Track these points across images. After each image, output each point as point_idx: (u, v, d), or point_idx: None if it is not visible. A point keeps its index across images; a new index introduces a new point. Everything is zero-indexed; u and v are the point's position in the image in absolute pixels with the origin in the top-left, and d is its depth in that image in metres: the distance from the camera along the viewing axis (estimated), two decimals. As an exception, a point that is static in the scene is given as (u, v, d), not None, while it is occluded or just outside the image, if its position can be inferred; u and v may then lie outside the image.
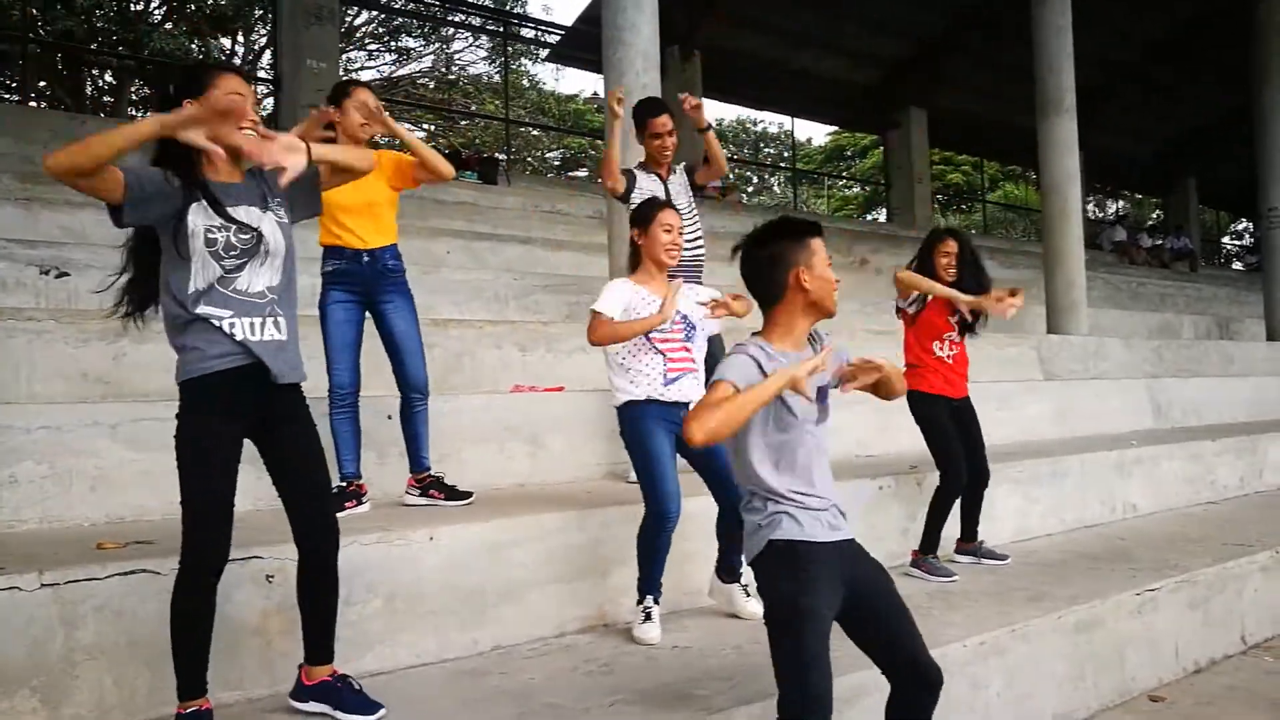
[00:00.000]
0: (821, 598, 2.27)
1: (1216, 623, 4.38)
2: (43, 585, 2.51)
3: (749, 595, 3.61)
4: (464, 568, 3.23)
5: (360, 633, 2.97)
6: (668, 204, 3.60)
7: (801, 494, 2.36)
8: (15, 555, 2.75)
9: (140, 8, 17.91)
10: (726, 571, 3.63)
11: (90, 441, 3.42)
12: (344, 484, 3.68)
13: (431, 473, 3.87)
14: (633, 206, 3.92)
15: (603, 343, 3.41)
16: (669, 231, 3.45)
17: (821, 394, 2.44)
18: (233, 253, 2.48)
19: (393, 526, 3.21)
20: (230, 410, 2.46)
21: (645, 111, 4.64)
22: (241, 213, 2.51)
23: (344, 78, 4.01)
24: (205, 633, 2.42)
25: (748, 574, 3.63)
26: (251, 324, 2.48)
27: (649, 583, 3.39)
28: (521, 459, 4.51)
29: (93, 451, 3.41)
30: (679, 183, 4.67)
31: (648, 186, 4.56)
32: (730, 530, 3.54)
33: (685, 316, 3.49)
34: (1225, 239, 34.40)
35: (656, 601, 3.40)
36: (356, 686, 2.63)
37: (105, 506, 3.42)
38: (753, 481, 2.40)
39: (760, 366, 2.32)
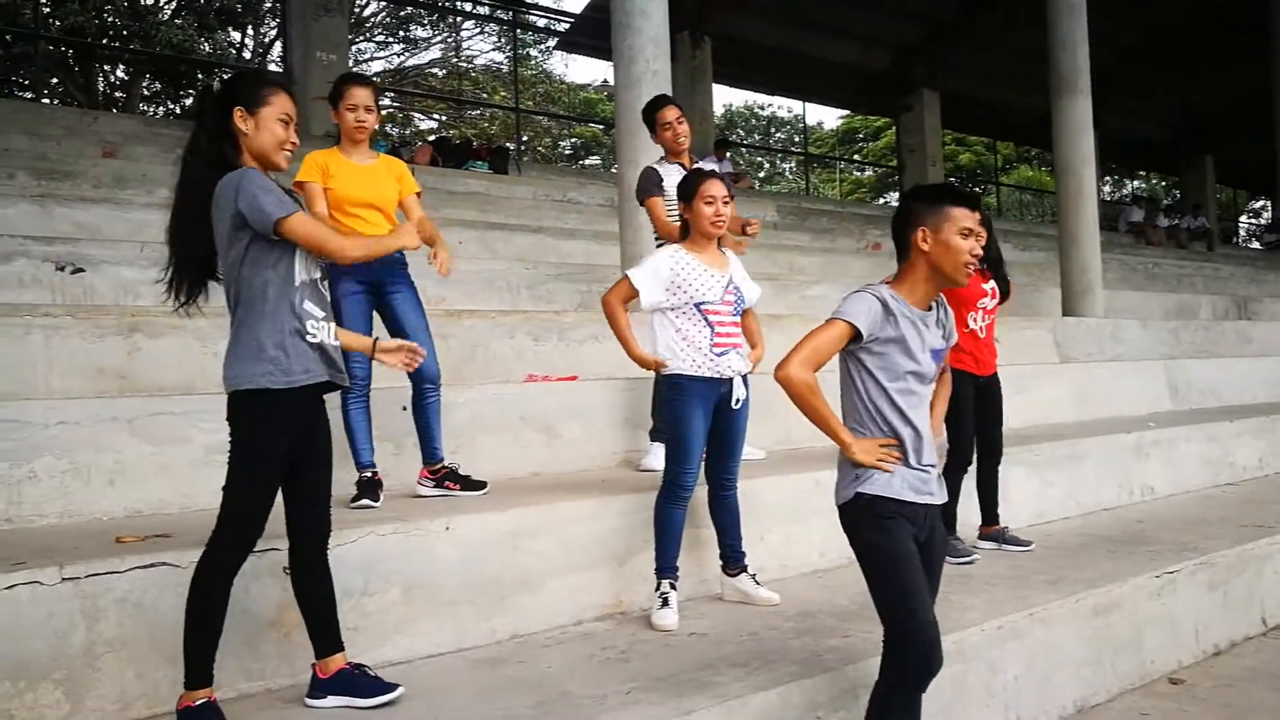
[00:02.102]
0: (906, 542, 2.42)
1: (1236, 605, 4.35)
2: (64, 579, 2.53)
3: (759, 583, 3.62)
4: (481, 557, 3.24)
5: (378, 623, 2.99)
6: (710, 175, 3.58)
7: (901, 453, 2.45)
8: (36, 549, 2.77)
9: (150, 2, 17.96)
10: (730, 562, 3.63)
11: (108, 436, 3.44)
12: (368, 474, 3.70)
13: (446, 464, 3.87)
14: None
15: (606, 312, 3.55)
16: (710, 204, 3.46)
17: (935, 356, 2.52)
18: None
19: (409, 517, 3.22)
20: (301, 419, 2.55)
21: (652, 107, 4.80)
22: None
23: (342, 73, 4.18)
24: (222, 619, 2.46)
25: (753, 561, 3.65)
26: (331, 329, 2.60)
27: (665, 562, 3.42)
28: (537, 448, 4.51)
29: (111, 446, 3.44)
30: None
31: (671, 179, 4.60)
32: (725, 511, 3.58)
33: (737, 288, 3.52)
34: (1242, 218, 34.05)
35: (674, 586, 3.41)
36: (372, 673, 2.65)
37: (124, 500, 3.44)
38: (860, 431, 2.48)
39: (886, 306, 2.41)
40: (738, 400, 3.47)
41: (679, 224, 3.62)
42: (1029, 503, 5.15)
